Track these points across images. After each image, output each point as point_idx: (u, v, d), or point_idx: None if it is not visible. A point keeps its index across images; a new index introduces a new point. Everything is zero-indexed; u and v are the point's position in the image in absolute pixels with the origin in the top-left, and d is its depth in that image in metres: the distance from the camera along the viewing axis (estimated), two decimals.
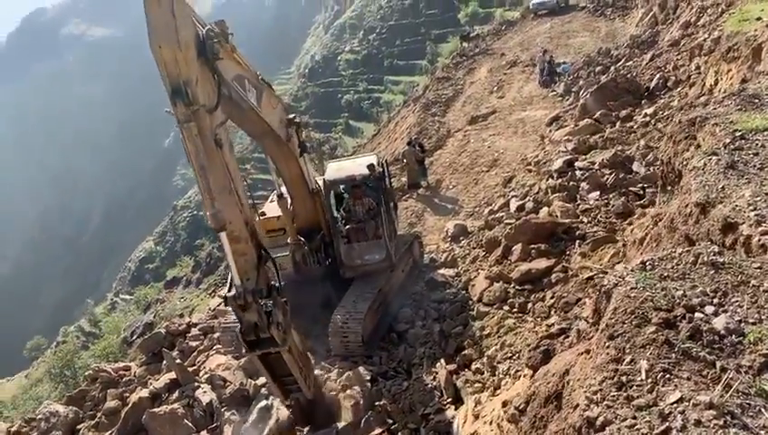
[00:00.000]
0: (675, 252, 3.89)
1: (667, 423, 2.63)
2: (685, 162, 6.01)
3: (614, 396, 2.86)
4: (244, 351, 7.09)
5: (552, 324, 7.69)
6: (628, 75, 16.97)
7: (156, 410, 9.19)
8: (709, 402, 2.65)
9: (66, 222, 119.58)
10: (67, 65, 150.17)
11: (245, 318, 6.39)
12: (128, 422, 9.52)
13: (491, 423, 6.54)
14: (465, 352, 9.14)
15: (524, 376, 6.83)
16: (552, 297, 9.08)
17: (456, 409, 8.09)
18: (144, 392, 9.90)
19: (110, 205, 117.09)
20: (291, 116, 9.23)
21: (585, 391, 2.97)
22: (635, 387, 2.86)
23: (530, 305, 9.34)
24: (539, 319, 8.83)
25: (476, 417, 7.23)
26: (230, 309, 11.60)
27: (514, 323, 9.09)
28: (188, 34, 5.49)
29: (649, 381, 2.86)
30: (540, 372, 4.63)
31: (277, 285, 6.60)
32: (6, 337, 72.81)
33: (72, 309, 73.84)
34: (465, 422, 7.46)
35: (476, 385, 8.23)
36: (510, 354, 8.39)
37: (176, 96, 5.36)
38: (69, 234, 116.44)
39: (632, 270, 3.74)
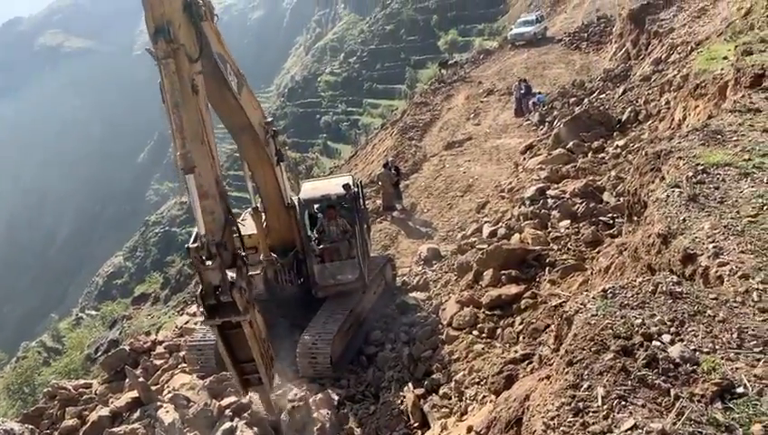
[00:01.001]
0: (635, 281, 3.96)
1: None
2: (650, 193, 6.16)
3: (570, 422, 2.88)
4: (203, 318, 6.72)
5: (518, 350, 7.73)
6: (601, 107, 17.42)
7: (115, 429, 8.91)
8: (662, 430, 2.68)
9: (35, 234, 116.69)
10: (43, 76, 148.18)
11: (207, 277, 6.19)
12: None
13: None
14: (434, 376, 9.09)
15: (490, 402, 6.84)
16: (520, 323, 9.10)
17: (422, 434, 8.03)
18: (104, 411, 9.59)
19: (81, 218, 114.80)
20: (269, 120, 9.32)
21: (543, 417, 2.99)
22: (591, 413, 2.89)
23: (499, 331, 9.35)
24: (507, 345, 8.84)
25: None
26: (197, 328, 11.56)
27: (483, 349, 9.08)
28: None
29: (605, 407, 2.89)
30: (502, 396, 4.64)
31: (242, 253, 6.49)
32: None
33: (36, 323, 71.72)
34: None
35: (443, 410, 8.19)
36: (477, 380, 8.36)
37: (158, 34, 5.62)
38: (36, 246, 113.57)
39: (593, 298, 3.80)
